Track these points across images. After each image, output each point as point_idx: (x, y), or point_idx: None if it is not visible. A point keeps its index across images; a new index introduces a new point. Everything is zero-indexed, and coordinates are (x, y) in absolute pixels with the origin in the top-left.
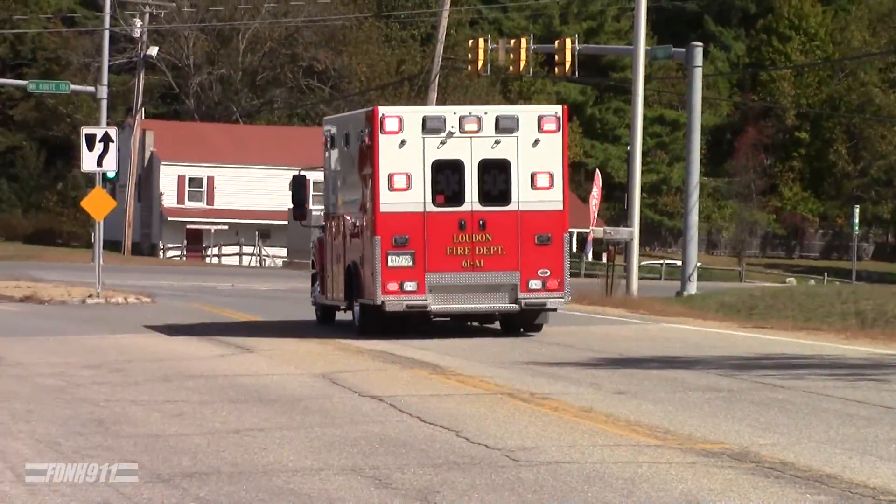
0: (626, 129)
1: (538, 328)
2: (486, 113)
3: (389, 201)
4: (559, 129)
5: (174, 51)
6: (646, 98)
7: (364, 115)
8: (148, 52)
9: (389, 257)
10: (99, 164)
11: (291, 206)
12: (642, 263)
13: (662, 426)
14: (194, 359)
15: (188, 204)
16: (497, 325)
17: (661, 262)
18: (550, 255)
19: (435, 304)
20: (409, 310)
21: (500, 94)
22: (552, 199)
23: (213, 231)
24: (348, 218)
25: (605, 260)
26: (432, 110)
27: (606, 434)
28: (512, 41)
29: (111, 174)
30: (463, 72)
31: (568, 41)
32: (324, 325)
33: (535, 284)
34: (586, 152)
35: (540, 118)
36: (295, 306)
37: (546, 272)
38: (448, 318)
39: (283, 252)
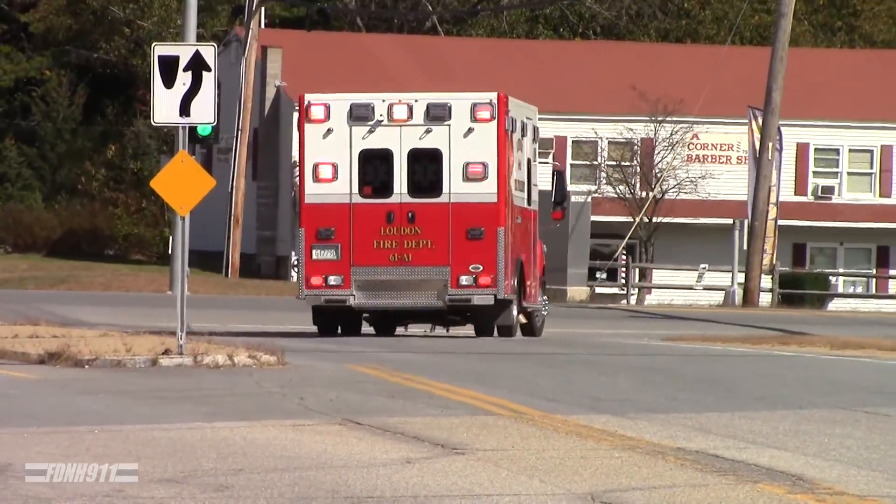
0: None
1: (509, 331)
2: (416, 101)
3: (314, 192)
4: (494, 118)
5: None
6: None
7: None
8: None
9: (314, 251)
10: (183, 111)
11: None
12: None
13: None
14: (357, 466)
15: None
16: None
17: None
18: (483, 250)
19: (361, 300)
20: (328, 304)
21: None
22: (486, 191)
23: None
24: None
25: None
26: (360, 97)
27: None
28: None
29: (205, 130)
30: None
31: None
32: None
33: (465, 280)
34: None
35: (473, 106)
36: (556, 370)
37: (478, 267)
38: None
39: None
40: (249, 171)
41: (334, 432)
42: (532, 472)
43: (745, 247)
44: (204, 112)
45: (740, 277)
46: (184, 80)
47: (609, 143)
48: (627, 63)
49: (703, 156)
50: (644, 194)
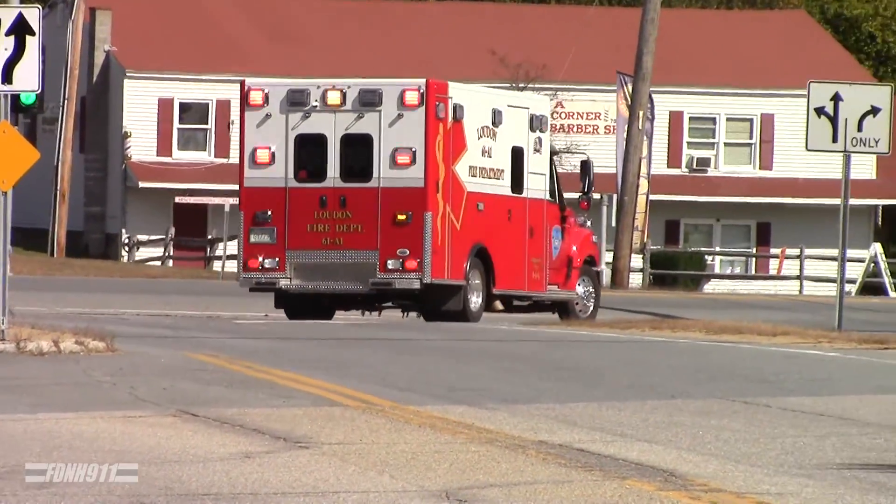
0: None
1: (462, 316)
2: (349, 87)
3: (252, 176)
4: (422, 104)
5: None
6: None
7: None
8: None
9: (252, 234)
10: (5, 78)
11: None
12: None
13: None
14: (193, 461)
15: (179, 156)
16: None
17: None
18: (410, 235)
19: (296, 283)
20: (259, 287)
21: None
22: (413, 176)
23: (227, 209)
24: None
25: None
26: (297, 83)
27: None
28: None
29: (29, 98)
30: None
31: None
32: None
33: (392, 265)
34: None
35: (402, 92)
36: (412, 357)
37: (405, 252)
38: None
39: None
40: (76, 142)
41: (168, 424)
42: (382, 467)
43: (613, 224)
44: (27, 79)
45: (609, 257)
46: (5, 44)
47: None
48: (486, 25)
49: (568, 125)
50: None
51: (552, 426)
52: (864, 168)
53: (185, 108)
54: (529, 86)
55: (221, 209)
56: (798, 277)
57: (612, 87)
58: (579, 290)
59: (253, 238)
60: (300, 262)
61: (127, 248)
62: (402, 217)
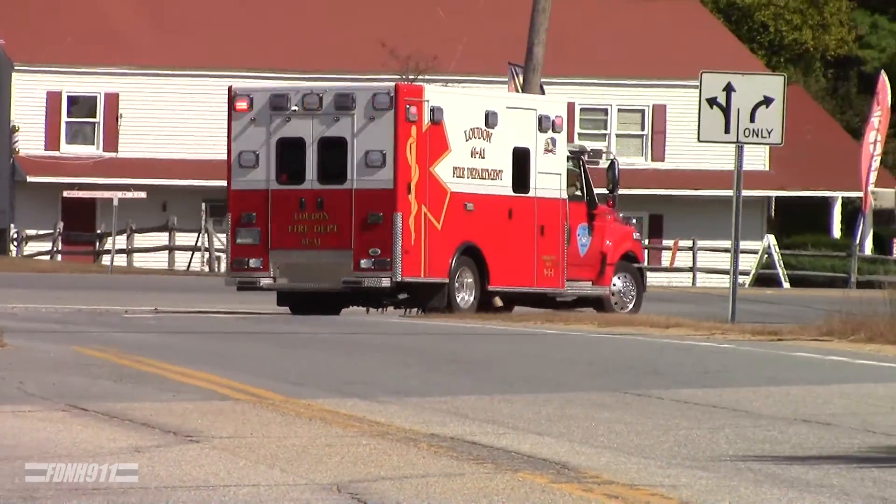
0: None
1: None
2: (325, 91)
3: (239, 178)
4: (391, 107)
5: None
6: None
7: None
8: None
9: (238, 235)
10: None
11: None
12: None
13: None
14: (82, 456)
15: (67, 150)
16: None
17: None
18: (381, 235)
19: (279, 283)
20: (244, 286)
21: None
22: (383, 177)
23: (116, 203)
24: None
25: None
26: (279, 88)
27: None
28: None
29: None
30: None
31: None
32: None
33: (365, 264)
34: (860, 38)
35: (373, 96)
36: (304, 351)
37: (377, 251)
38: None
39: None
40: None
41: (57, 419)
42: (272, 460)
43: None
44: None
45: None
46: None
47: None
48: (375, 16)
49: None
50: None
51: (444, 419)
52: (758, 159)
53: (73, 101)
54: (420, 78)
55: (110, 203)
56: (691, 269)
57: (503, 79)
58: (617, 285)
59: (239, 239)
60: (282, 261)
61: (16, 243)
62: (373, 217)
